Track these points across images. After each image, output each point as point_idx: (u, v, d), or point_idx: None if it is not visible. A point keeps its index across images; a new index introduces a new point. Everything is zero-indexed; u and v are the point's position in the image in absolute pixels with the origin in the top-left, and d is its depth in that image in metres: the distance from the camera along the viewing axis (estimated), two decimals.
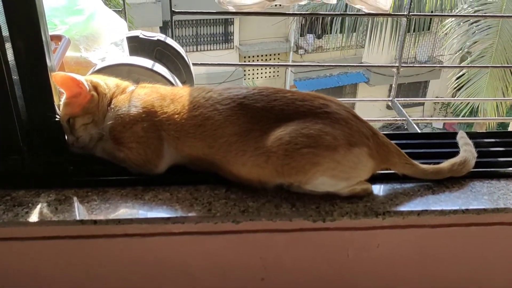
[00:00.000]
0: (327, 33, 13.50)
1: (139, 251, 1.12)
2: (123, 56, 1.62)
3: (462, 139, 1.29)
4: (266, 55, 14.35)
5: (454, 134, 1.34)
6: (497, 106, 9.37)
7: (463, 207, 1.08)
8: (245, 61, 13.80)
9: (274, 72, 14.61)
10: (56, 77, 1.14)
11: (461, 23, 9.81)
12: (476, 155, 1.21)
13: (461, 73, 9.53)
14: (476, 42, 9.36)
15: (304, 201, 1.09)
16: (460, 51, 9.74)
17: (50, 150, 1.18)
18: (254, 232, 1.09)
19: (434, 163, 1.18)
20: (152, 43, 1.73)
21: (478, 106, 10.02)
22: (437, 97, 15.34)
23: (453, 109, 12.89)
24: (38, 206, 1.06)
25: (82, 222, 1.02)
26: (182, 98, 1.16)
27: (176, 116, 1.13)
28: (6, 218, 1.02)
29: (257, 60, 14.08)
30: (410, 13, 1.92)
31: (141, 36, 1.73)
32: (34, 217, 1.03)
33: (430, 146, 1.32)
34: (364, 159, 1.08)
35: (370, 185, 1.12)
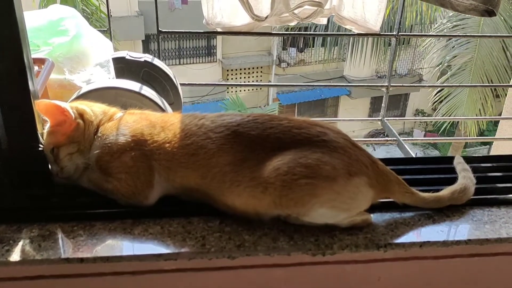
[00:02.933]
0: (309, 47, 13.60)
1: None
2: (110, 78, 1.56)
3: (459, 164, 1.26)
4: (248, 69, 14.37)
5: (451, 159, 1.31)
6: (479, 114, 9.50)
7: (466, 238, 1.05)
8: (227, 74, 13.80)
9: (258, 81, 14.62)
10: (39, 105, 1.08)
11: (440, 38, 9.97)
12: (475, 181, 1.18)
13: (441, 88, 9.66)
14: (455, 56, 9.51)
15: (302, 233, 1.05)
16: (440, 65, 9.88)
17: (33, 182, 1.12)
18: (250, 267, 1.04)
19: (432, 190, 1.15)
20: (139, 64, 1.67)
21: (458, 121, 10.16)
22: (421, 112, 15.51)
23: (434, 122, 13.05)
24: (20, 243, 0.99)
25: (67, 260, 0.96)
26: (173, 126, 1.11)
27: (167, 145, 1.08)
28: None
29: (240, 73, 14.10)
30: (399, 33, 1.90)
31: (127, 57, 1.68)
32: (15, 256, 0.96)
33: (426, 172, 1.29)
34: (364, 189, 1.04)
35: (370, 215, 1.08)
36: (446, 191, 1.14)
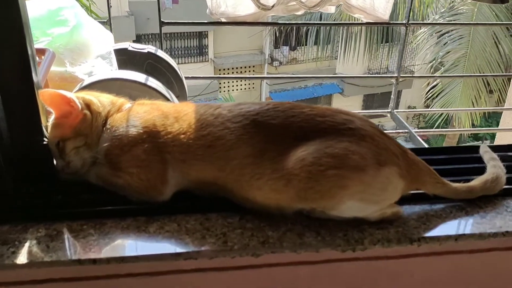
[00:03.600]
0: (302, 45, 13.54)
1: None
2: (113, 70, 1.49)
3: (486, 153, 1.20)
4: (241, 68, 14.28)
5: (476, 148, 1.25)
6: (470, 114, 9.51)
7: (503, 230, 0.98)
8: (220, 74, 13.71)
9: (249, 84, 14.55)
10: (43, 94, 1.00)
11: (434, 33, 9.96)
12: (505, 170, 1.12)
13: (435, 83, 9.66)
14: (449, 52, 9.50)
15: (329, 228, 0.98)
16: (434, 61, 9.87)
17: (38, 178, 1.04)
18: (275, 265, 0.97)
19: (461, 181, 1.08)
20: (142, 56, 1.60)
21: (452, 115, 10.16)
22: (414, 108, 15.49)
23: (428, 118, 13.03)
24: (27, 244, 0.92)
25: (79, 261, 0.88)
26: (188, 116, 1.03)
27: (182, 136, 1.00)
28: None
29: (232, 73, 14.01)
30: (409, 22, 1.84)
31: (130, 48, 1.60)
32: (22, 258, 0.88)
33: (451, 162, 1.23)
34: (395, 179, 0.97)
35: (400, 208, 1.02)
36: (477, 181, 1.08)
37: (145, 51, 1.61)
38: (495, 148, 1.24)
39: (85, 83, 1.34)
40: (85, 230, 0.96)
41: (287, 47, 14.14)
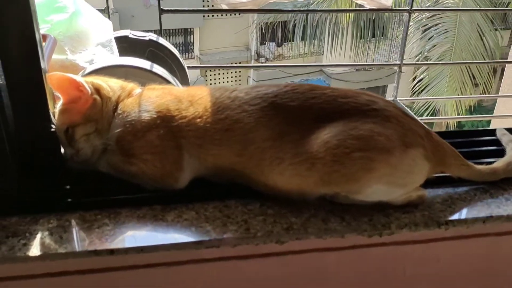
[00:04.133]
0: (289, 41, 13.51)
1: (165, 283, 0.94)
2: (115, 57, 1.43)
3: (505, 136, 1.18)
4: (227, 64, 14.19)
5: (492, 131, 1.23)
6: (456, 107, 9.58)
7: None
8: (206, 71, 13.61)
9: (236, 77, 14.48)
10: (51, 78, 0.95)
11: (420, 27, 10.00)
12: None
13: (421, 77, 9.71)
14: (435, 45, 9.55)
15: (353, 213, 0.94)
16: (420, 55, 9.91)
17: (45, 167, 0.99)
18: (300, 253, 0.93)
19: (477, 164, 1.06)
20: (143, 44, 1.54)
21: (439, 108, 10.22)
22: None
23: (415, 110, 13.11)
24: (38, 236, 0.87)
25: (95, 252, 0.83)
26: (203, 100, 0.99)
27: (198, 120, 0.96)
28: None
29: (219, 69, 13.92)
30: (412, 8, 1.81)
31: (130, 36, 1.55)
32: (35, 250, 0.83)
33: (469, 145, 1.20)
34: (420, 161, 0.94)
35: (425, 191, 0.99)
36: (500, 163, 1.05)
37: (147, 38, 1.55)
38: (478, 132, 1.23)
39: (88, 70, 1.28)
40: (99, 220, 0.91)
41: (274, 43, 14.09)
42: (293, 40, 11.73)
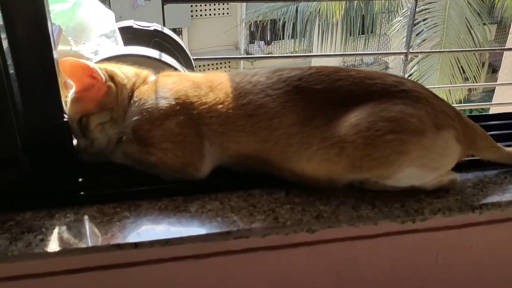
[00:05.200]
0: (279, 39, 13.48)
1: (192, 277, 0.89)
2: (122, 47, 1.38)
3: None
4: (216, 64, 14.13)
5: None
6: (447, 99, 9.62)
7: None
8: (195, 71, 13.51)
9: None
10: (64, 64, 0.90)
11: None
12: None
13: (411, 71, 9.73)
14: (424, 40, 9.57)
15: (383, 199, 0.90)
16: (410, 49, 9.92)
17: (58, 159, 0.94)
18: (331, 241, 0.89)
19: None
20: (148, 34, 1.49)
21: None
22: None
23: None
24: (55, 231, 0.81)
25: (119, 246, 0.78)
26: (223, 85, 0.94)
27: (219, 106, 0.91)
28: (16, 249, 0.77)
29: (208, 69, 13.85)
30: None
31: (135, 26, 1.49)
32: (53, 246, 0.78)
33: (494, 128, 1.17)
34: (453, 143, 0.90)
35: (456, 175, 0.95)
36: None
37: (151, 28, 1.50)
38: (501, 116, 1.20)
39: (94, 60, 1.23)
40: (119, 213, 0.86)
41: (263, 42, 14.06)
42: (282, 39, 11.71)
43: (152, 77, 1.01)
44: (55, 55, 0.89)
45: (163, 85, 0.95)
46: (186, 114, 0.91)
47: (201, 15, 13.05)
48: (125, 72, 0.99)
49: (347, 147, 0.86)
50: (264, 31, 13.45)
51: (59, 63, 0.89)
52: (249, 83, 0.93)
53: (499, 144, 0.99)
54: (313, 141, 0.88)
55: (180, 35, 13.57)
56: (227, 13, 13.36)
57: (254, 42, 14.19)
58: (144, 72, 1.02)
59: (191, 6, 12.35)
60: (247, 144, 0.91)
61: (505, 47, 2.62)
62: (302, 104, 0.90)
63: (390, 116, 0.86)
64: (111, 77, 0.95)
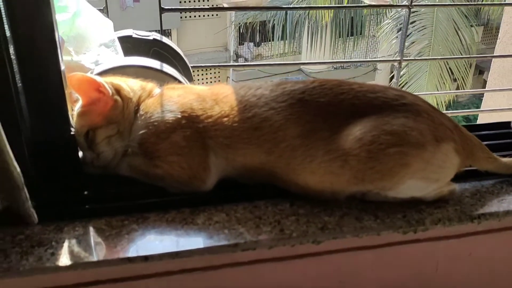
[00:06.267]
0: (268, 40, 13.51)
1: None
2: (123, 57, 1.39)
3: None
4: (207, 69, 14.11)
5: (507, 124, 1.23)
6: (437, 103, 9.72)
7: None
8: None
9: (215, 78, 14.41)
10: (72, 79, 0.91)
11: (398, 24, 10.11)
12: None
13: (401, 73, 9.81)
14: (413, 42, 9.66)
15: (385, 210, 0.93)
16: (396, 53, 10.01)
17: (64, 173, 0.94)
18: (336, 252, 0.91)
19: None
20: (147, 43, 1.50)
21: None
22: None
23: None
24: (65, 245, 0.83)
25: (129, 260, 0.80)
26: (228, 98, 0.96)
27: (225, 119, 0.93)
28: (27, 264, 0.78)
29: (198, 71, 13.83)
30: (412, 4, 1.81)
31: (134, 35, 1.50)
32: (64, 260, 0.79)
33: (486, 138, 1.20)
34: (452, 155, 0.93)
35: (455, 185, 0.98)
36: None
37: (151, 38, 1.51)
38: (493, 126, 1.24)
39: (96, 71, 1.24)
40: (127, 225, 0.87)
41: (252, 44, 14.07)
42: (272, 40, 11.75)
43: (157, 90, 1.02)
44: (62, 67, 0.90)
45: (169, 98, 0.97)
46: (192, 127, 0.93)
47: (190, 17, 13.02)
48: (131, 86, 1.00)
49: (350, 160, 0.88)
50: (254, 33, 13.47)
51: (68, 79, 0.90)
52: (253, 96, 0.95)
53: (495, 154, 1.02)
54: (317, 153, 0.90)
55: (170, 37, 13.54)
56: (217, 15, 13.35)
57: (243, 44, 14.19)
58: (149, 85, 1.03)
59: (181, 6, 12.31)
60: (252, 157, 0.93)
61: (495, 55, 2.66)
62: (306, 117, 0.92)
63: (392, 130, 0.89)
64: (117, 91, 0.96)
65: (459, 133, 0.95)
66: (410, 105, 0.93)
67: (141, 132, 0.94)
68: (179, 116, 0.93)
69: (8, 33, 0.82)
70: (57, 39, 0.87)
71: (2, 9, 0.79)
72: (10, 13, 0.82)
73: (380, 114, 0.91)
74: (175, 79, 1.29)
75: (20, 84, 0.86)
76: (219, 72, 14.48)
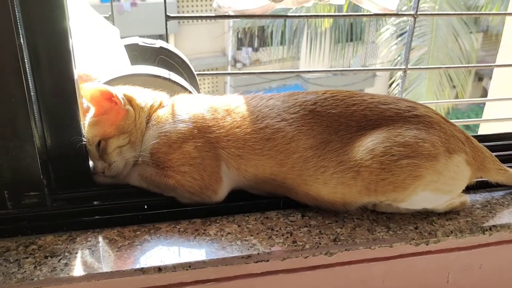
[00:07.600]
0: (267, 45, 13.52)
1: None
2: (131, 66, 1.39)
3: None
4: (203, 70, 14.11)
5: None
6: (435, 108, 9.73)
7: None
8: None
9: (213, 86, 14.42)
10: (85, 89, 0.91)
11: (398, 30, 10.15)
12: None
13: (399, 80, 9.83)
14: (413, 48, 9.69)
15: (397, 221, 0.93)
16: (399, 57, 10.04)
17: (75, 183, 0.94)
18: (348, 264, 0.91)
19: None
20: (154, 51, 1.50)
21: None
22: None
23: None
24: (78, 255, 0.82)
25: (143, 271, 0.80)
26: (240, 109, 0.96)
27: (237, 130, 0.93)
28: (41, 274, 0.78)
29: (197, 75, 13.81)
30: (417, 13, 1.82)
31: (140, 43, 1.50)
32: (78, 270, 0.79)
33: (494, 149, 1.20)
34: (464, 167, 0.93)
35: (467, 197, 0.98)
36: None
37: (157, 46, 1.51)
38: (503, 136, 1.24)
39: (103, 80, 1.23)
40: (140, 236, 0.87)
41: (250, 49, 14.08)
42: (271, 45, 11.77)
43: (168, 100, 1.02)
44: (75, 76, 0.90)
45: (180, 109, 0.97)
46: (204, 137, 0.93)
47: (188, 22, 13.04)
48: (143, 96, 1.00)
49: (362, 171, 0.88)
50: (252, 38, 13.49)
51: (80, 88, 0.90)
52: (265, 107, 0.95)
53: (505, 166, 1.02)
54: (329, 164, 0.90)
55: (167, 41, 13.55)
56: (215, 20, 13.37)
57: (241, 49, 14.21)
58: (160, 95, 1.03)
59: (179, 12, 12.34)
60: (264, 167, 0.93)
61: (497, 64, 2.67)
62: (318, 128, 0.92)
63: (405, 141, 0.89)
64: (129, 101, 0.96)
65: (470, 144, 0.96)
66: (422, 116, 0.93)
67: (152, 142, 0.94)
68: (191, 126, 0.93)
69: (23, 42, 0.82)
70: (71, 48, 0.87)
71: (18, 18, 0.79)
72: (26, 22, 0.82)
73: (392, 126, 0.91)
74: (183, 87, 1.28)
75: (33, 93, 0.86)
76: (217, 78, 14.47)
